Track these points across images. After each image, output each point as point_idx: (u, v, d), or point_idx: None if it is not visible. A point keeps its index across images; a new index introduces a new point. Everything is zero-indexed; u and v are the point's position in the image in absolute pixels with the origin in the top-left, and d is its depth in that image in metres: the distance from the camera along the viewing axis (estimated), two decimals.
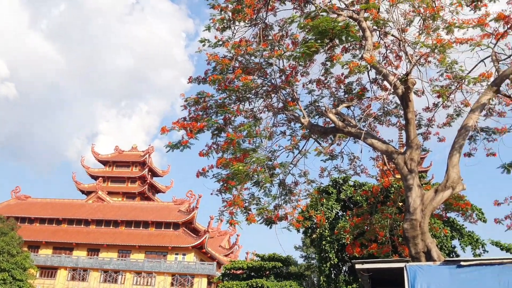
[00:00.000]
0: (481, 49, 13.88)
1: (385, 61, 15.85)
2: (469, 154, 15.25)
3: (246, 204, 15.56)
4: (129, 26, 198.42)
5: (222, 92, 14.88)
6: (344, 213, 27.25)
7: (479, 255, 23.45)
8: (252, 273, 40.50)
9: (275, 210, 16.11)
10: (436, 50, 10.77)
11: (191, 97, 15.14)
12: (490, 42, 13.73)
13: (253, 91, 15.84)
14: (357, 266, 11.48)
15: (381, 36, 15.00)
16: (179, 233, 60.43)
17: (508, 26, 13.18)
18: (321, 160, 16.98)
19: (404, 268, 10.91)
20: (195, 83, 15.62)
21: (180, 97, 16.12)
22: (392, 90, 12.17)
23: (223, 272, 42.52)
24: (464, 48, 13.11)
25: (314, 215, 19.77)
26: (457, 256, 24.52)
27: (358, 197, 24.66)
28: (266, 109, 15.99)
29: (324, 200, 25.78)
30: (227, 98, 15.19)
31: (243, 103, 16.02)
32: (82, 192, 74.85)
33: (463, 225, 23.89)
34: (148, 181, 74.69)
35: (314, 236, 26.74)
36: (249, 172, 12.77)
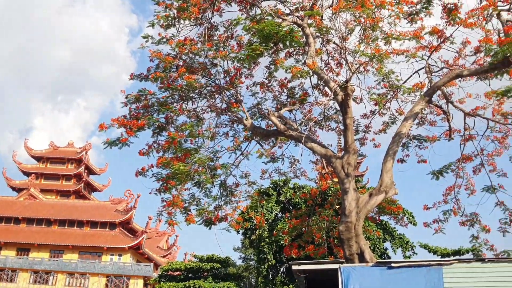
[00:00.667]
0: (416, 61, 14.61)
1: (326, 68, 16.26)
2: (402, 160, 15.99)
3: (186, 205, 15.40)
4: (69, 18, 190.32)
5: (164, 91, 14.65)
6: (284, 215, 27.66)
7: (409, 257, 24.63)
8: (190, 275, 40.11)
9: (215, 211, 16.06)
10: (374, 60, 11.18)
11: (132, 94, 14.80)
12: (424, 54, 14.49)
13: (196, 91, 15.72)
14: (294, 267, 11.70)
15: (324, 43, 15.41)
16: (116, 233, 58.72)
17: (441, 40, 13.96)
18: (262, 162, 17.20)
19: (339, 269, 11.25)
20: (136, 80, 15.26)
21: (120, 93, 15.67)
22: (332, 96, 12.51)
23: (160, 273, 41.81)
24: (400, 59, 13.75)
25: (254, 217, 19.92)
26: (389, 257, 25.61)
27: (297, 199, 25.13)
28: (210, 110, 15.92)
29: (264, 202, 26.05)
30: (170, 97, 14.97)
31: (186, 102, 15.85)
32: (13, 189, 70.69)
33: (395, 228, 25.02)
34: (84, 179, 71.86)
35: (253, 237, 26.93)
36: (190, 172, 12.65)
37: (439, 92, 14.29)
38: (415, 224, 23.28)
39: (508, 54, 10.71)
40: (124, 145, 13.73)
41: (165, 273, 41.25)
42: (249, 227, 26.09)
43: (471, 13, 11.63)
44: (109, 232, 59.21)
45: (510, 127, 14.22)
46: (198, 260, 41.33)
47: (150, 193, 14.39)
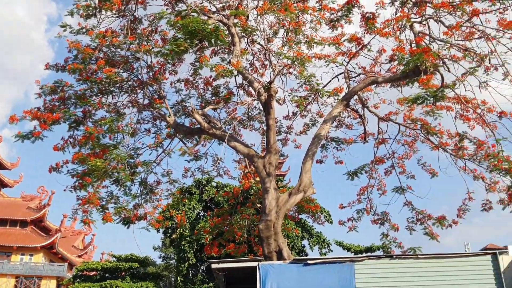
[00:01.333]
0: (336, 66, 15.15)
1: (251, 68, 16.41)
2: (321, 161, 16.59)
3: (104, 203, 14.86)
4: None
5: (83, 83, 14.00)
6: (206, 213, 27.55)
7: (325, 254, 25.61)
8: (107, 275, 38.68)
9: (134, 210, 15.65)
10: (295, 63, 11.47)
11: (48, 85, 14.00)
12: (344, 60, 15.09)
13: (117, 85, 15.21)
14: (213, 265, 11.70)
15: (249, 44, 15.55)
16: (27, 232, 55.10)
17: (360, 47, 14.64)
18: (185, 160, 16.97)
19: (257, 267, 11.42)
20: (53, 70, 14.47)
21: (35, 84, 14.71)
22: (256, 97, 12.66)
23: (74, 273, 39.90)
24: (321, 64, 14.22)
25: (175, 215, 19.66)
26: (306, 254, 26.43)
27: (220, 198, 25.15)
28: (131, 105, 15.47)
29: (187, 201, 25.79)
30: (89, 90, 14.34)
31: (106, 96, 15.26)
32: None
33: (312, 226, 25.87)
34: None
35: (174, 236, 26.57)
36: (107, 169, 12.22)
37: (356, 97, 14.98)
38: (331, 222, 24.25)
39: (419, 64, 11.48)
40: (37, 139, 12.97)
41: (80, 273, 39.45)
42: (170, 226, 25.69)
43: (387, 23, 12.29)
44: (19, 230, 55.43)
45: (419, 132, 15.20)
46: (115, 260, 39.95)
47: (64, 190, 13.74)
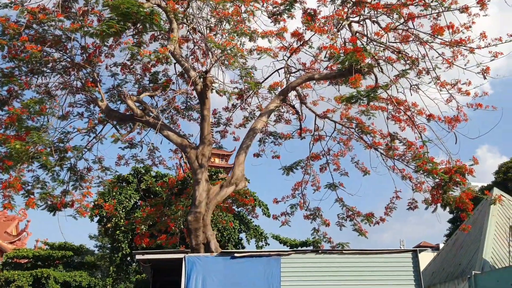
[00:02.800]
0: (277, 60, 15.21)
1: (192, 57, 16.09)
2: (258, 155, 16.58)
3: (29, 188, 14.15)
4: None
5: (9, 61, 13.21)
6: (145, 203, 26.89)
7: (261, 247, 25.74)
8: (39, 263, 37.13)
9: (62, 196, 14.99)
10: (228, 52, 11.28)
11: None
12: (285, 55, 15.13)
13: (49, 65, 14.50)
14: (137, 256, 11.41)
15: (190, 31, 15.23)
16: None
17: (301, 43, 14.69)
18: (119, 148, 16.43)
19: (183, 259, 11.25)
20: None
21: None
22: (192, 86, 12.41)
23: (4, 261, 37.99)
24: (261, 56, 14.14)
25: (103, 204, 19.05)
26: (243, 247, 26.47)
27: (157, 188, 24.65)
28: (62, 87, 14.78)
29: (120, 189, 25.08)
30: (16, 68, 13.55)
31: (36, 76, 14.52)
32: None
33: (251, 219, 25.92)
34: None
35: (108, 225, 25.79)
36: (29, 153, 11.56)
37: (295, 92, 15.06)
38: (269, 216, 24.40)
39: (353, 63, 11.65)
40: None
41: (10, 261, 37.63)
42: (104, 214, 24.89)
43: (324, 20, 12.38)
44: None
45: (353, 130, 15.50)
46: (49, 248, 38.43)
47: None
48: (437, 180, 11.48)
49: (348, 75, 12.52)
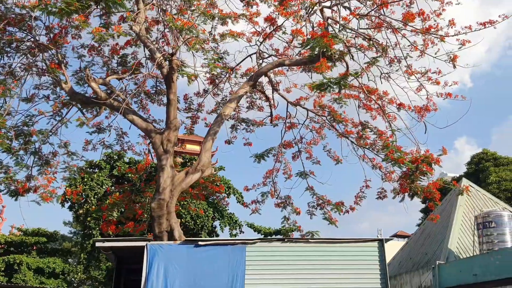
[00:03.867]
0: (250, 45, 14.90)
1: (163, 40, 15.66)
2: (229, 142, 16.30)
3: None
4: None
5: None
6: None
7: (235, 235, 25.57)
8: (12, 249, 36.54)
9: (26, 181, 14.53)
10: (190, 34, 10.93)
11: None
12: (257, 40, 14.82)
13: (13, 45, 13.98)
14: (97, 244, 11.09)
15: (161, 13, 14.77)
16: None
17: (274, 28, 14.40)
18: (86, 132, 15.98)
19: (145, 247, 10.96)
20: None
21: None
22: (158, 68, 12.03)
23: None
24: (238, 42, 13.83)
25: (65, 189, 18.57)
26: (217, 235, 26.30)
27: (130, 175, 24.23)
28: (26, 68, 14.26)
29: (90, 175, 24.58)
30: None
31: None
32: None
33: (225, 207, 25.68)
34: None
35: (80, 211, 25.33)
36: None
37: (267, 79, 14.78)
38: (243, 204, 24.17)
39: (324, 50, 11.42)
40: None
41: None
42: (76, 201, 24.37)
43: (295, 3, 12.08)
44: None
45: (325, 118, 15.31)
46: (22, 234, 37.80)
47: None
48: (404, 169, 11.39)
49: (318, 62, 12.32)
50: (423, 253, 12.96)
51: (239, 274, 11.00)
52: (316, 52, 11.60)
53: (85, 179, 24.69)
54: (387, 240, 11.98)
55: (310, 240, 11.60)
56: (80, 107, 14.27)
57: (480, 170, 33.84)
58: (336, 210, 14.68)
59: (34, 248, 37.32)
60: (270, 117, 15.06)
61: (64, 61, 14.31)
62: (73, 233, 50.25)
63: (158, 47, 13.01)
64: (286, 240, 11.59)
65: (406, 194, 12.05)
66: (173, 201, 11.56)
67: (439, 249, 12.11)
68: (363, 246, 11.80)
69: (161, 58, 11.54)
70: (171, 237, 11.39)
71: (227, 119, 13.00)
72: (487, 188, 27.94)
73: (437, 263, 9.71)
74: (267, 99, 14.71)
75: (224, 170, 27.22)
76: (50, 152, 15.21)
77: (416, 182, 11.72)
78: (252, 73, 14.08)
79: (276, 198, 15.65)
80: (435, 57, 11.73)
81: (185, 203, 21.77)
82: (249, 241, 11.35)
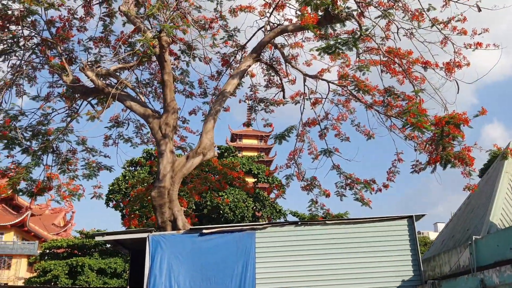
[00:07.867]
0: (261, 19, 13.83)
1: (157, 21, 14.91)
2: (248, 124, 15.30)
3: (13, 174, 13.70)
4: None
5: None
6: None
7: None
8: (75, 251, 37.93)
9: (47, 181, 14.40)
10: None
11: None
12: (268, 12, 13.69)
13: (21, 44, 13.89)
14: (97, 237, 10.58)
15: None
16: None
17: None
18: (105, 127, 15.64)
19: (147, 238, 10.27)
20: None
21: None
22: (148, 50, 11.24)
23: (41, 251, 39.09)
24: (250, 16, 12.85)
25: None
26: None
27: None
28: (27, 65, 14.11)
29: (131, 173, 24.55)
30: None
31: (8, 57, 13.97)
32: None
33: (268, 196, 24.66)
34: None
35: (125, 210, 25.42)
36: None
37: (279, 52, 13.64)
38: (284, 192, 23.06)
39: (328, 7, 10.15)
40: None
41: (48, 251, 38.68)
42: (119, 199, 24.51)
43: None
44: None
45: (349, 90, 13.88)
46: (84, 237, 39.16)
47: None
48: (428, 135, 9.82)
49: (325, 23, 11.00)
50: (465, 229, 11.28)
51: (250, 262, 10.04)
52: (321, 11, 10.33)
53: (127, 178, 24.71)
54: (418, 217, 10.47)
55: (327, 222, 10.34)
56: (89, 100, 13.90)
57: None
58: (366, 189, 13.27)
59: (96, 250, 38.51)
60: (282, 92, 13.84)
61: (73, 55, 14.09)
62: None
63: (151, 25, 12.19)
64: (300, 223, 10.43)
65: (438, 163, 10.42)
66: (175, 188, 10.77)
67: (480, 223, 10.42)
68: (390, 225, 10.42)
69: (151, 37, 10.69)
70: (174, 226, 10.61)
71: (229, 96, 11.98)
72: None
73: (473, 238, 8.17)
74: (275, 71, 13.51)
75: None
76: (68, 150, 15.01)
77: (447, 149, 10.08)
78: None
79: (302, 180, 14.45)
80: (457, 2, 9.97)
81: (224, 194, 21.04)
82: (258, 226, 10.33)
